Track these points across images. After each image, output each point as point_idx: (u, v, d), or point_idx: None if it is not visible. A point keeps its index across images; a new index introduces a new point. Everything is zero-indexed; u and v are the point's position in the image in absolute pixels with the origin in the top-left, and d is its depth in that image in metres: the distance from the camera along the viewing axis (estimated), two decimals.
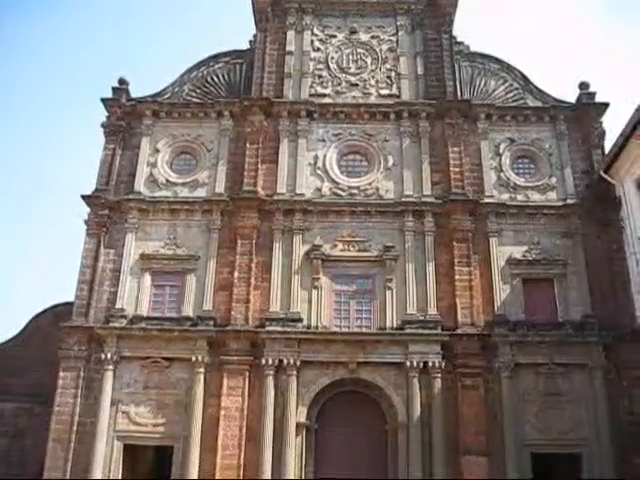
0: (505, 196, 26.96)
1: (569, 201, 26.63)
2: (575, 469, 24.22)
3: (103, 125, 28.64)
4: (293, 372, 23.89)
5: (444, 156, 27.38)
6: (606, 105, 28.17)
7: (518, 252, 25.91)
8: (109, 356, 24.55)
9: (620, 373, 24.18)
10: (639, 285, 24.17)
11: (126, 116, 28.74)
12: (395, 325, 24.70)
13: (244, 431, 23.47)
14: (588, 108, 28.23)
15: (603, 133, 28.00)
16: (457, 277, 25.19)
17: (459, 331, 24.43)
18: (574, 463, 24.17)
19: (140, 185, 27.44)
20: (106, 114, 28.81)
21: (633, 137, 23.97)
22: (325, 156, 27.75)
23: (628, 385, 23.98)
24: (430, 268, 25.37)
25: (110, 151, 27.99)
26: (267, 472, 22.76)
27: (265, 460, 22.88)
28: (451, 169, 26.99)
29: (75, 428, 24.19)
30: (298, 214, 26.31)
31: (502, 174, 27.38)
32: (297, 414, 23.53)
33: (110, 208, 27.03)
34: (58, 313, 29.01)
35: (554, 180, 27.31)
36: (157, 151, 28.19)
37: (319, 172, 27.46)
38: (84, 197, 27.20)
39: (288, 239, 26.10)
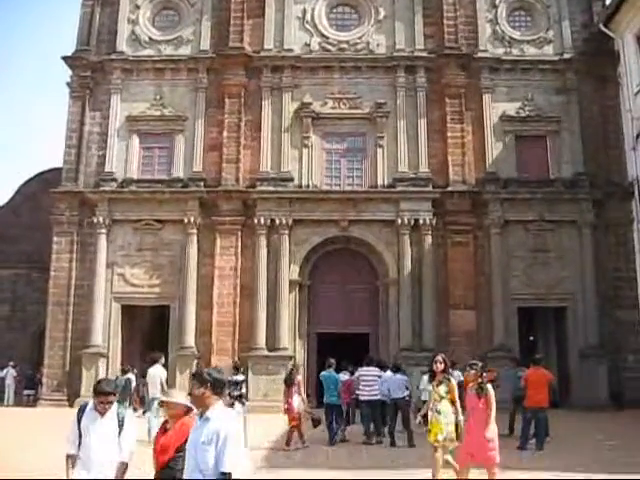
0: (500, 50, 26.07)
1: (566, 56, 25.77)
2: (559, 322, 25.06)
3: None
4: (285, 231, 24.05)
5: (438, 7, 26.10)
6: None
7: (511, 109, 25.41)
8: (101, 220, 24.56)
9: (608, 230, 24.50)
10: (632, 142, 23.90)
11: None
12: (386, 183, 24.62)
13: (238, 289, 23.98)
14: None
15: None
16: (449, 134, 24.85)
17: (450, 188, 24.42)
18: (559, 316, 24.97)
19: (122, 44, 26.32)
20: None
21: None
22: (314, 9, 26.42)
23: (615, 242, 24.37)
24: (422, 125, 24.93)
25: (89, 8, 26.64)
26: (262, 327, 23.44)
27: (260, 316, 23.50)
28: (445, 22, 25.87)
29: (73, 291, 24.66)
30: (287, 71, 25.47)
31: (497, 27, 26.30)
32: (290, 272, 23.93)
33: (93, 69, 26.13)
34: (47, 179, 28.84)
35: (551, 34, 26.32)
36: (137, 7, 26.78)
37: (307, 26, 26.27)
38: (65, 58, 26.23)
39: (277, 97, 25.44)
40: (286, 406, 14.11)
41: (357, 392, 15.47)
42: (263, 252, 23.99)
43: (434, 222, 23.95)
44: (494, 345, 23.18)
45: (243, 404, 13.56)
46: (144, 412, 18.22)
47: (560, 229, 24.49)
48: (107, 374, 23.84)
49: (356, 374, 15.84)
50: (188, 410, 5.27)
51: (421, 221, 23.87)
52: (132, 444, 5.69)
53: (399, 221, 23.89)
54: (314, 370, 23.41)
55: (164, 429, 5.43)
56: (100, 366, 23.75)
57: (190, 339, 23.71)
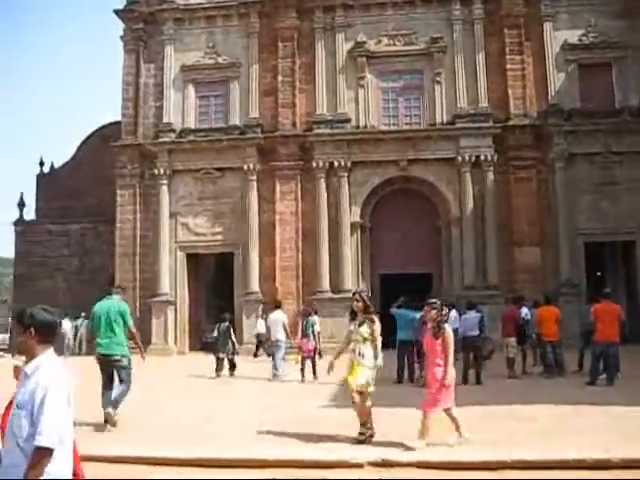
0: None
1: None
2: (628, 257, 24.47)
3: None
4: (344, 173, 23.95)
5: None
6: None
7: (574, 36, 24.35)
8: (162, 171, 24.94)
9: None
10: None
11: None
12: (445, 120, 24.15)
13: (300, 233, 24.20)
14: None
15: None
16: (509, 67, 24.07)
17: (511, 123, 23.80)
18: (628, 251, 24.38)
19: None
20: None
21: None
22: None
23: None
24: (480, 59, 24.18)
25: None
26: (325, 270, 23.61)
27: (322, 259, 23.66)
28: None
29: (138, 242, 25.31)
30: (339, 10, 24.93)
31: None
32: (351, 214, 23.92)
33: (145, 21, 26.21)
34: (106, 134, 29.25)
35: None
36: None
37: None
38: (117, 12, 26.36)
39: (330, 38, 25.00)
40: None
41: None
42: (323, 195, 24.02)
43: (495, 158, 23.48)
44: (560, 281, 22.79)
45: None
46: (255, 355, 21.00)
47: (628, 160, 23.63)
48: (175, 321, 24.61)
49: (422, 313, 15.78)
50: None
51: (482, 157, 23.41)
52: None
53: (459, 159, 23.49)
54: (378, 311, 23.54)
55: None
56: (169, 314, 24.41)
57: (255, 285, 24.08)
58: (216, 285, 27.81)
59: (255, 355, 21.05)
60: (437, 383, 7.41)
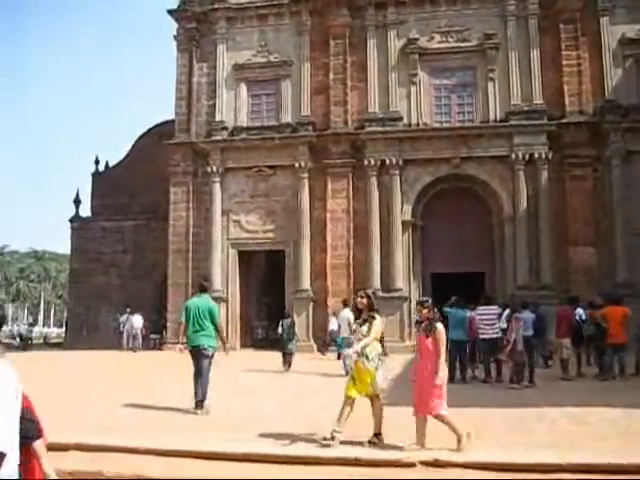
0: None
1: None
2: None
3: None
4: (396, 171, 23.85)
5: None
6: None
7: (631, 31, 23.73)
8: (214, 169, 25.26)
9: None
10: None
11: None
12: (499, 117, 23.85)
13: (351, 231, 24.20)
14: None
15: None
16: (564, 62, 23.60)
17: (567, 120, 23.34)
18: None
19: None
20: None
21: None
22: None
23: None
24: (534, 55, 23.78)
25: None
26: (376, 269, 23.56)
27: (374, 258, 23.62)
28: None
29: (191, 239, 25.67)
30: (391, 7, 24.84)
31: None
32: (402, 212, 23.83)
33: (198, 20, 26.58)
34: (160, 132, 29.74)
35: None
36: None
37: None
38: (170, 12, 26.82)
39: (382, 35, 24.91)
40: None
41: (478, 330, 15.26)
42: (375, 193, 23.98)
43: (550, 156, 23.08)
44: (616, 282, 22.24)
45: None
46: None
47: None
48: (227, 318, 24.86)
49: (475, 312, 15.61)
50: None
51: (536, 155, 23.05)
52: None
53: (513, 156, 23.17)
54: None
55: None
56: (220, 310, 24.57)
57: (306, 282, 24.20)
58: (267, 282, 28.03)
59: (324, 351, 21.96)
60: (425, 384, 7.13)
